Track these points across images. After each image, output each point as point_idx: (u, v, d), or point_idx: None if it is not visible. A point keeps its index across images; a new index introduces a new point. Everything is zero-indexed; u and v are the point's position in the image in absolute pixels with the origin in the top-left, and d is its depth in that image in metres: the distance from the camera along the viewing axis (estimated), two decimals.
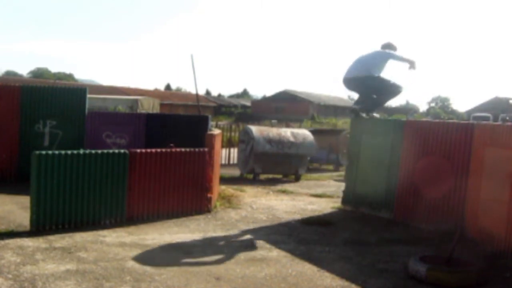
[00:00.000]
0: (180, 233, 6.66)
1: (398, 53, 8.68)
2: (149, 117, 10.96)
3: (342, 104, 73.85)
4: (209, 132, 8.59)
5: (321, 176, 14.20)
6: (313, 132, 14.57)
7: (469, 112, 61.27)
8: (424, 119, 31.97)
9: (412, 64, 8.65)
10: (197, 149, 7.74)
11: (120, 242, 6.04)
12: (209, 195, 7.92)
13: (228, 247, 6.15)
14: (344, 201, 8.99)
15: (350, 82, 8.69)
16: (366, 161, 8.63)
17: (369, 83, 8.47)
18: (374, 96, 8.73)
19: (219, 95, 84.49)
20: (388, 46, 8.80)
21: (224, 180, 10.93)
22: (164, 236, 6.47)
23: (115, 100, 32.16)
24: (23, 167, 9.49)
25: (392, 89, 8.68)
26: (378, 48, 8.78)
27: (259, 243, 6.42)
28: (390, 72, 8.62)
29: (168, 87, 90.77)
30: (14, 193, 8.44)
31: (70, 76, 79.42)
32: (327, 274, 5.32)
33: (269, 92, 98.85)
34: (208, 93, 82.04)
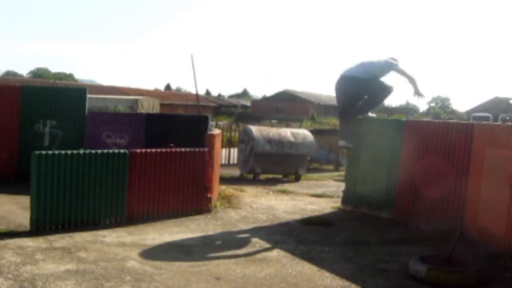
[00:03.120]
0: (180, 233, 6.66)
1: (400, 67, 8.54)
2: (149, 117, 10.95)
3: None
4: (209, 132, 8.59)
5: (321, 176, 14.20)
6: (313, 132, 14.57)
7: (469, 112, 61.23)
8: (424, 119, 31.97)
9: (415, 87, 8.42)
10: (197, 149, 7.74)
11: (120, 242, 6.04)
12: (209, 195, 7.92)
13: (228, 247, 6.15)
14: (344, 201, 8.99)
15: (348, 80, 8.53)
16: (366, 161, 8.63)
17: (368, 86, 8.40)
18: (365, 97, 8.61)
19: (219, 95, 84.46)
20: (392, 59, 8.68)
21: (224, 180, 10.92)
22: (164, 236, 6.47)
23: (115, 100, 32.17)
24: (23, 167, 9.49)
25: (386, 91, 8.58)
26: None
27: (259, 243, 6.42)
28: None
29: (168, 87, 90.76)
30: (14, 193, 8.44)
31: (70, 76, 79.35)
32: (327, 274, 5.32)
33: (269, 92, 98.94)
34: (208, 93, 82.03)
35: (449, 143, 7.41)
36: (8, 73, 72.51)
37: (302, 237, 6.83)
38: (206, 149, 7.84)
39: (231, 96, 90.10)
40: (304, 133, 13.53)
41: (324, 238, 6.87)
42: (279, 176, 13.17)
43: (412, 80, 8.43)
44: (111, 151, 6.99)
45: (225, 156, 15.35)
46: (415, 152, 7.83)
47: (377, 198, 8.33)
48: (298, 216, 8.16)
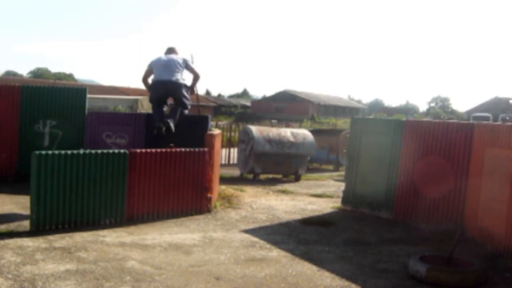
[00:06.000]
0: (180, 233, 6.66)
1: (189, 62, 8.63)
2: (149, 117, 10.93)
3: (342, 104, 73.96)
4: (209, 132, 8.59)
5: (321, 176, 14.20)
6: (313, 132, 14.57)
7: (469, 112, 61.31)
8: (424, 119, 31.96)
9: (195, 80, 8.72)
10: (197, 149, 7.74)
11: (120, 242, 6.04)
12: (209, 195, 7.92)
13: (228, 247, 6.15)
14: (344, 201, 8.99)
15: (165, 85, 8.39)
16: (366, 161, 8.63)
17: (177, 89, 8.35)
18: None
19: (219, 95, 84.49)
20: (172, 50, 8.70)
21: (224, 180, 10.92)
22: (164, 236, 6.47)
23: (115, 100, 32.18)
24: (23, 167, 9.49)
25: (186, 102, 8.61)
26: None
27: (259, 243, 6.42)
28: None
29: None
30: (14, 193, 8.43)
31: (70, 76, 79.28)
32: (327, 274, 5.32)
33: (269, 92, 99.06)
34: (208, 93, 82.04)
35: (449, 143, 7.42)
36: (8, 73, 72.48)
37: (302, 237, 6.83)
38: (206, 149, 7.83)
39: (231, 96, 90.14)
40: (304, 133, 13.53)
41: (324, 238, 6.87)
42: (279, 176, 13.17)
43: (196, 75, 8.67)
44: (111, 151, 6.98)
45: (225, 156, 15.35)
46: (415, 152, 7.83)
47: (377, 198, 8.34)
48: (298, 216, 8.16)
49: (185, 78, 8.65)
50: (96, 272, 4.94)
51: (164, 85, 8.35)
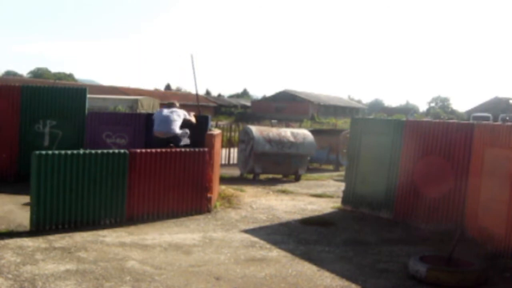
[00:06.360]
0: (180, 233, 6.66)
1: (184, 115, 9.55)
2: (149, 117, 10.94)
3: (342, 104, 73.92)
4: (209, 132, 8.59)
5: (321, 176, 14.19)
6: (313, 132, 14.56)
7: (469, 112, 61.26)
8: (424, 119, 31.96)
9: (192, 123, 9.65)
10: (197, 149, 7.74)
11: (120, 242, 6.04)
12: (209, 195, 7.92)
13: (228, 247, 6.15)
14: (344, 201, 8.99)
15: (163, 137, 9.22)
16: (366, 161, 8.63)
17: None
18: None
19: (219, 95, 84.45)
20: (172, 104, 9.60)
21: (224, 180, 10.92)
22: (164, 236, 6.47)
23: (115, 100, 32.14)
24: (23, 167, 9.49)
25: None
26: None
27: (259, 243, 6.42)
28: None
29: (168, 87, 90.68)
30: (14, 193, 8.44)
31: (70, 76, 79.24)
32: (327, 274, 5.33)
33: (269, 92, 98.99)
34: (208, 93, 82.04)
35: (449, 143, 7.42)
36: (8, 73, 72.46)
37: (302, 237, 6.83)
38: (206, 149, 7.84)
39: (231, 96, 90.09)
40: (304, 133, 13.52)
41: (324, 238, 6.87)
42: (279, 176, 13.16)
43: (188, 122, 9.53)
44: (111, 151, 6.99)
45: (225, 156, 15.34)
46: (415, 152, 7.83)
47: (377, 198, 8.34)
48: (298, 216, 8.16)
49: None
50: (96, 272, 4.94)
51: (162, 137, 9.23)
